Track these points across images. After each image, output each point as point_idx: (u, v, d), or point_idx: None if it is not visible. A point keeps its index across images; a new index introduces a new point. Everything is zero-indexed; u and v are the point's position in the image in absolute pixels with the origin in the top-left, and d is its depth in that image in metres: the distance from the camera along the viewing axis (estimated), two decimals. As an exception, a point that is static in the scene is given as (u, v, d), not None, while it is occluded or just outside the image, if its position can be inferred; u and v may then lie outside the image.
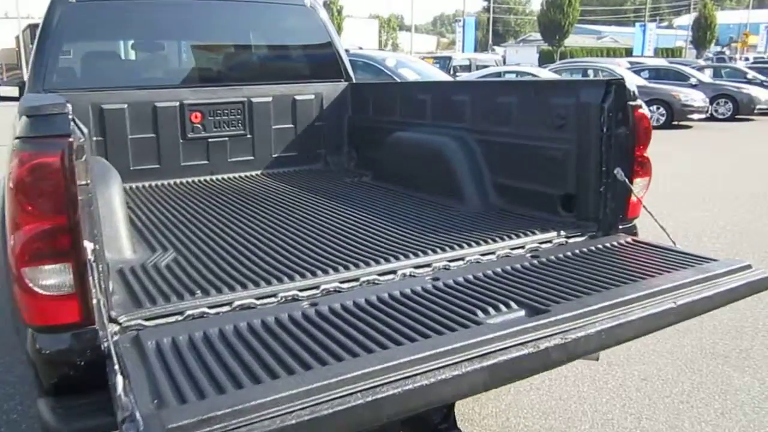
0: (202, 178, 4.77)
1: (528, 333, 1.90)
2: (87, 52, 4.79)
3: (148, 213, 3.62)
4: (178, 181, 4.68)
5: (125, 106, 4.47)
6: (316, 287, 2.35)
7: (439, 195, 3.79)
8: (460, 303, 2.14)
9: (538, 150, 3.27)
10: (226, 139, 4.85)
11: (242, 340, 1.91)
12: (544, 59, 49.12)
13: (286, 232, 3.07)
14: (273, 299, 2.26)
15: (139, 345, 1.89)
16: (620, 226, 2.98)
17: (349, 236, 2.95)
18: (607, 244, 2.75)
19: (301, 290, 2.32)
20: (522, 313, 2.09)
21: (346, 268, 2.48)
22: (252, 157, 4.97)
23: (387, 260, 2.55)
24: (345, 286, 2.38)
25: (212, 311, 2.16)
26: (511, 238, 2.84)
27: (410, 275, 2.47)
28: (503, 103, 3.51)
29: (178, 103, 4.63)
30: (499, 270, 2.45)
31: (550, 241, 2.84)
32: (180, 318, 2.11)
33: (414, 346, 1.81)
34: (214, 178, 4.79)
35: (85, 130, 2.28)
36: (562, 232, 2.92)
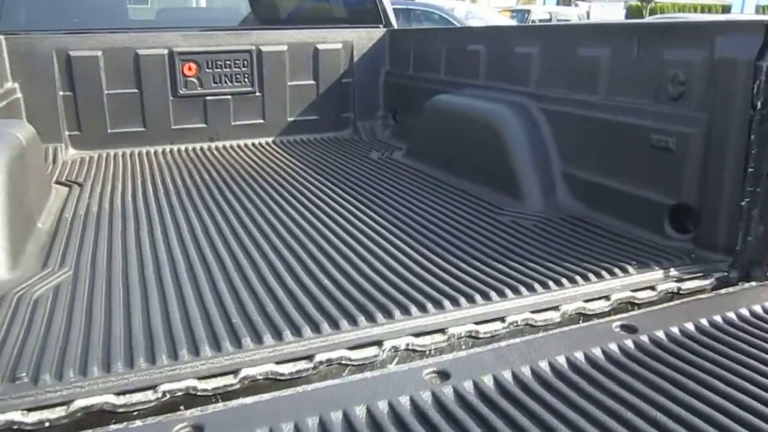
0: (198, 146, 3.84)
1: None
2: None
3: (99, 197, 2.73)
4: (168, 148, 3.78)
5: (99, 53, 3.56)
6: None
7: (487, 186, 2.71)
8: None
9: (637, 131, 2.13)
10: (229, 97, 3.89)
11: None
12: (632, 16, 45.63)
13: (289, 248, 2.06)
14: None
15: None
16: None
17: (339, 264, 1.92)
18: (758, 309, 1.61)
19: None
20: None
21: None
22: (261, 121, 4.00)
23: (369, 318, 1.53)
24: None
25: (135, 401, 1.25)
26: (585, 277, 1.75)
27: (394, 359, 1.43)
28: (587, 59, 2.36)
29: (166, 51, 3.69)
30: (563, 364, 1.35)
31: (652, 288, 1.74)
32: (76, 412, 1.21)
33: None
34: (213, 146, 3.86)
35: None
36: (672, 271, 1.81)
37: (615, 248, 1.98)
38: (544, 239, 2.09)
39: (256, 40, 3.85)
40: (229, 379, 1.31)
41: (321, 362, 1.37)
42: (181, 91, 3.76)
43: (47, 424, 1.19)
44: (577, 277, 1.74)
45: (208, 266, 1.90)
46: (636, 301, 1.69)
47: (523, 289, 1.67)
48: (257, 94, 3.93)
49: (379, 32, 4.13)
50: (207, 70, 3.79)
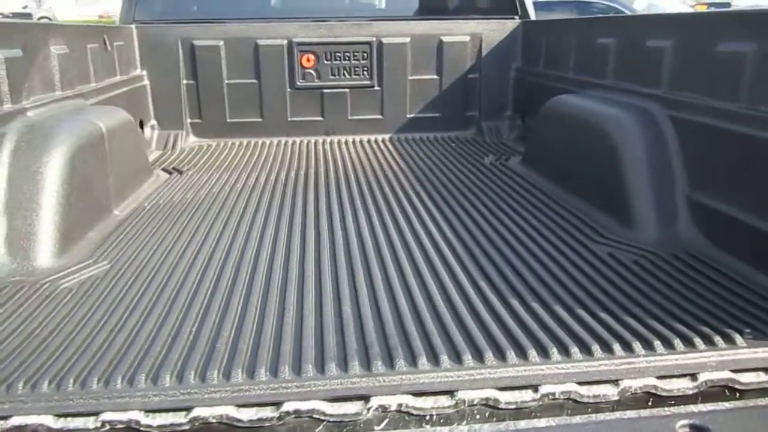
0: (313, 139, 3.76)
1: None
2: None
3: (195, 186, 2.72)
4: (283, 140, 3.74)
5: (221, 43, 3.59)
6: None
7: (594, 205, 2.28)
8: None
9: None
10: (347, 90, 3.75)
11: None
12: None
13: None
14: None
15: None
16: None
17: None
18: None
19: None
20: None
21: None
22: (380, 116, 3.82)
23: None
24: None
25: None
26: (668, 341, 1.32)
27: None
28: (730, 55, 1.85)
29: (285, 42, 3.64)
30: None
31: (765, 370, 1.26)
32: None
33: None
34: (329, 140, 3.76)
35: None
36: None
37: (731, 304, 1.50)
38: (639, 281, 1.66)
39: (377, 32, 3.66)
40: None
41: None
42: (298, 83, 3.70)
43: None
44: (657, 342, 1.31)
45: (291, 274, 1.75)
46: (736, 386, 1.23)
47: (575, 350, 1.29)
48: (376, 87, 3.75)
49: (512, 24, 3.75)
50: (325, 62, 3.68)
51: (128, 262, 1.86)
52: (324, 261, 1.84)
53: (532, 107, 3.60)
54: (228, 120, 3.71)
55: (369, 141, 3.74)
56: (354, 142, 3.73)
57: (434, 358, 1.26)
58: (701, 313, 1.46)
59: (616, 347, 1.29)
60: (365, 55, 3.70)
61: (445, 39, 3.70)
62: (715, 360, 1.27)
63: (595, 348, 1.28)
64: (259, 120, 3.74)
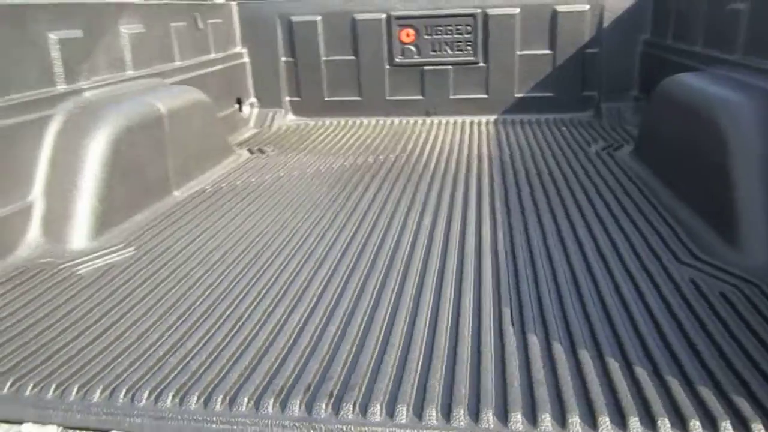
0: (413, 120, 3.55)
1: None
2: None
3: (272, 169, 2.65)
4: (381, 120, 3.57)
5: (318, 18, 3.47)
6: None
7: (695, 213, 1.85)
8: None
9: None
10: (449, 67, 3.47)
11: None
12: None
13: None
14: None
15: None
16: None
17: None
18: None
19: None
20: None
21: None
22: (485, 96, 3.49)
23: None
24: None
25: None
26: (692, 415, 0.98)
27: None
28: None
29: (384, 15, 3.43)
30: None
31: None
32: None
33: None
34: (429, 121, 3.52)
35: None
36: None
37: None
38: (715, 322, 1.28)
39: (482, 2, 3.33)
40: None
41: None
42: (397, 59, 3.49)
43: None
44: (689, 415, 0.97)
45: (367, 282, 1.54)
46: None
47: (606, 420, 0.99)
48: (481, 64, 3.44)
49: (641, -11, 3.22)
50: (425, 37, 3.43)
51: (155, 248, 1.81)
52: (427, 280, 1.55)
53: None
54: (325, 98, 3.61)
55: (472, 122, 3.45)
56: (456, 123, 3.46)
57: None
58: None
59: (631, 415, 0.97)
60: (469, 28, 3.38)
61: (560, 8, 3.28)
62: None
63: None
64: (358, 99, 3.59)
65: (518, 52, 3.38)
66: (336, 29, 3.47)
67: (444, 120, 3.52)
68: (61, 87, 2.02)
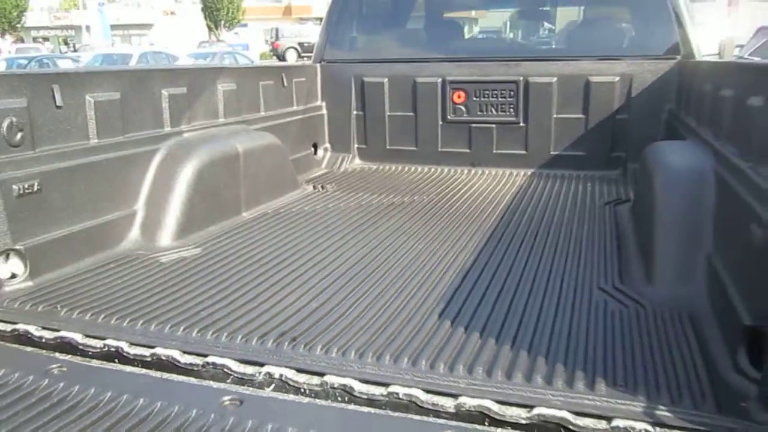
0: (460, 169, 4.08)
1: None
2: (357, 28, 4.57)
3: (330, 201, 3.27)
4: (434, 168, 4.13)
5: (385, 80, 4.12)
6: None
7: (641, 255, 2.24)
8: None
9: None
10: (493, 125, 3.99)
11: None
12: None
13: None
14: None
15: None
16: None
17: None
18: None
19: None
20: None
21: None
22: (524, 152, 3.97)
23: None
24: None
25: None
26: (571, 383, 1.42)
27: None
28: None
29: (440, 80, 4.02)
30: None
31: (608, 419, 1.29)
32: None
33: None
34: (474, 171, 4.04)
35: None
36: (679, 415, 1.29)
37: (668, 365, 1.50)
38: (594, 326, 1.71)
39: (524, 71, 3.84)
40: None
41: None
42: (449, 117, 4.05)
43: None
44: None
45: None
46: (572, 428, 1.31)
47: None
48: (521, 124, 3.92)
49: (666, 64, 3.60)
50: (474, 99, 3.98)
51: (216, 248, 2.46)
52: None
53: None
54: (387, 147, 4.22)
55: (511, 174, 3.92)
56: (497, 174, 3.95)
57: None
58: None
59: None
60: (512, 93, 3.90)
61: (592, 79, 3.72)
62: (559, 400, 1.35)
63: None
64: (414, 149, 4.18)
65: (554, 115, 3.84)
66: (399, 89, 4.10)
67: (487, 171, 4.01)
68: (167, 129, 2.76)
